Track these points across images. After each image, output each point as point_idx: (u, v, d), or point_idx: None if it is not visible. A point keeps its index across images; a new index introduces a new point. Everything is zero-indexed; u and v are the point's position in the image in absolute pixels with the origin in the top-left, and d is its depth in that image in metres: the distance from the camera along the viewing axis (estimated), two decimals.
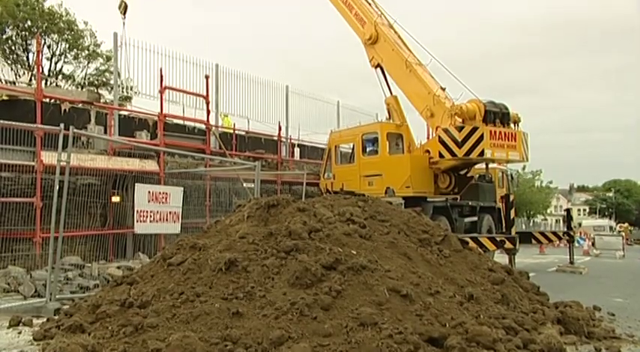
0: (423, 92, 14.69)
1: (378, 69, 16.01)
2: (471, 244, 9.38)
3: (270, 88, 19.79)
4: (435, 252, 6.51)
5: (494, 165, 16.38)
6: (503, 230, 14.30)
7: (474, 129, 13.47)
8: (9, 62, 25.24)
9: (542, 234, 16.72)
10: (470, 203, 14.96)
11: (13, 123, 9.39)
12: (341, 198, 7.73)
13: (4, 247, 9.98)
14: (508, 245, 13.09)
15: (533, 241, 16.12)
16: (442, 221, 13.09)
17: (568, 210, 17.38)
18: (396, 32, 15.96)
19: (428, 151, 14.48)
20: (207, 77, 15.53)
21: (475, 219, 15.13)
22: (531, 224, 49.36)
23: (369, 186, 14.79)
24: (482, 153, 13.42)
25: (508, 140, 13.87)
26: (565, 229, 16.27)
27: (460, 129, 13.62)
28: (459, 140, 13.53)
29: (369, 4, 16.29)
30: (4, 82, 13.94)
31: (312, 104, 21.86)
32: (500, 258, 14.13)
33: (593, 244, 25.70)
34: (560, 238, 16.52)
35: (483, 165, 15.33)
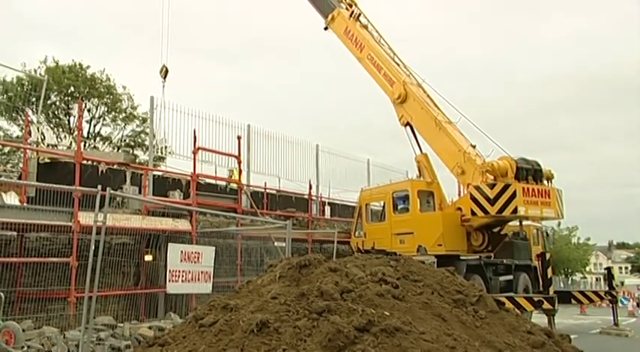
0: (454, 149, 14.71)
1: (408, 127, 16.15)
2: (508, 304, 9.10)
3: (301, 146, 20.11)
4: (470, 313, 6.32)
5: (529, 222, 16.07)
6: (541, 289, 13.84)
7: (506, 187, 13.34)
8: (51, 126, 26.34)
9: (583, 293, 16.09)
10: (504, 261, 14.60)
11: (53, 185, 9.74)
12: (373, 258, 7.65)
13: (39, 307, 10.10)
14: (546, 305, 12.65)
15: (573, 301, 15.52)
16: (476, 280, 12.79)
17: (609, 269, 16.80)
18: (424, 91, 16.19)
19: (460, 209, 14.35)
20: (239, 138, 15.87)
21: (510, 277, 14.73)
22: (570, 283, 47.66)
23: (400, 244, 14.64)
24: (515, 211, 13.22)
25: (542, 197, 13.68)
26: (607, 288, 15.68)
27: (492, 186, 13.51)
28: (491, 197, 13.40)
29: (398, 64, 16.64)
30: (46, 145, 14.49)
31: (342, 162, 22.06)
32: (539, 318, 13.60)
33: (638, 304, 24.60)
34: (602, 298, 15.89)
35: (517, 223, 15.06)
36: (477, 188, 13.73)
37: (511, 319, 6.64)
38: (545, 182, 14.23)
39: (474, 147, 14.76)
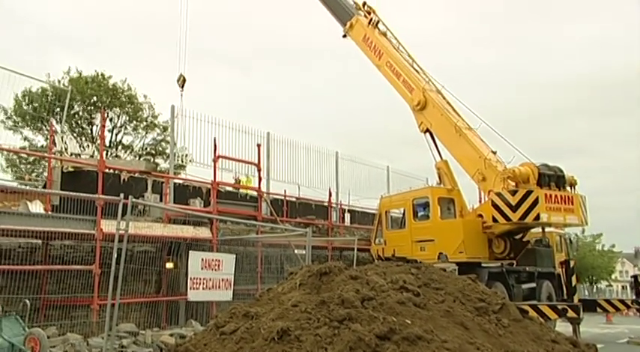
0: (474, 156, 14.60)
1: (428, 134, 16.08)
2: (531, 313, 8.97)
3: (320, 154, 20.13)
4: (493, 321, 6.24)
5: (552, 229, 15.85)
6: (565, 297, 13.63)
7: (528, 193, 13.18)
8: (75, 135, 26.79)
9: (608, 301, 15.78)
10: (527, 269, 14.42)
11: (77, 193, 9.89)
12: (393, 265, 7.60)
13: (63, 314, 10.23)
14: (571, 313, 12.44)
15: (599, 309, 15.23)
16: (498, 288, 12.64)
17: (636, 276, 16.46)
18: (444, 97, 16.11)
19: (481, 215, 14.21)
20: (259, 146, 15.92)
21: (533, 285, 14.53)
22: (595, 291, 46.79)
23: (421, 251, 14.56)
24: (537, 217, 13.06)
25: (565, 203, 13.49)
26: (634, 296, 15.37)
27: (513, 193, 13.36)
28: (513, 204, 13.25)
29: (417, 71, 16.59)
30: (69, 154, 14.74)
31: (362, 169, 22.03)
32: (563, 327, 13.37)
33: None
34: (628, 306, 15.58)
35: (540, 230, 14.87)
36: (499, 194, 13.59)
37: (535, 328, 6.54)
38: (568, 188, 14.03)
39: (494, 153, 14.64)
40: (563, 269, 13.86)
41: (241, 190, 16.11)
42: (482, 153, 14.47)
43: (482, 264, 13.87)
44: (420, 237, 14.77)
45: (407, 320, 5.60)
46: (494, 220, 13.69)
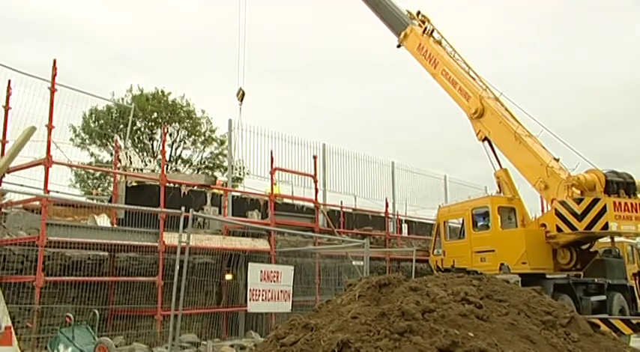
0: (535, 164, 14.13)
1: (486, 142, 15.71)
2: (603, 327, 8.54)
3: (376, 164, 20.07)
4: (561, 335, 5.98)
5: (622, 238, 15.12)
6: (639, 311, 12.93)
7: (595, 201, 12.63)
8: (137, 150, 27.81)
9: None
10: (596, 280, 13.77)
11: (140, 207, 10.24)
12: (454, 276, 7.43)
13: (129, 324, 10.57)
14: None
15: None
16: (565, 300, 12.13)
17: None
18: (502, 104, 15.72)
19: (544, 225, 13.72)
20: (315, 157, 15.99)
21: (603, 298, 13.84)
22: None
23: (481, 262, 14.20)
24: (606, 227, 12.47)
25: (636, 211, 12.83)
26: None
27: (579, 201, 12.84)
28: (579, 213, 12.72)
29: (473, 78, 16.28)
30: (132, 169, 15.30)
31: (419, 179, 21.81)
32: (638, 343, 12.68)
33: None
34: None
35: (608, 239, 14.21)
36: (563, 203, 13.09)
37: (608, 343, 6.22)
38: (639, 195, 13.35)
39: (557, 160, 14.13)
40: (637, 281, 13.19)
41: (296, 201, 16.23)
42: (544, 160, 13.99)
43: (547, 276, 13.37)
44: (480, 248, 14.40)
45: (470, 333, 5.46)
46: (559, 230, 13.18)
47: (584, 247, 13.91)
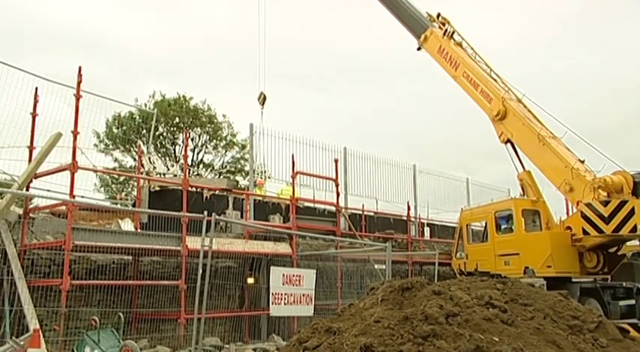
0: (560, 166, 13.92)
1: (509, 144, 15.54)
2: (632, 332, 8.36)
3: (397, 167, 20.01)
4: (589, 340, 5.87)
5: None
6: None
7: (623, 203, 12.39)
8: (159, 155, 28.13)
9: None
10: (624, 284, 13.49)
11: (163, 211, 10.33)
12: (477, 280, 7.35)
13: (153, 327, 10.67)
14: None
15: None
16: (592, 304, 11.91)
17: None
18: (525, 106, 15.53)
19: (569, 228, 13.51)
20: (336, 161, 15.96)
21: (632, 302, 13.53)
22: None
23: (505, 265, 14.05)
24: (634, 229, 12.23)
25: None
26: None
27: (605, 203, 12.60)
28: (606, 215, 12.49)
29: (495, 80, 16.12)
30: (155, 174, 15.46)
31: (440, 182, 21.67)
32: None
33: None
34: None
35: (637, 242, 13.94)
36: (589, 205, 12.86)
37: (638, 349, 6.09)
38: None
39: (582, 162, 13.90)
40: None
41: (318, 205, 16.22)
42: (569, 162, 13.77)
43: (573, 279, 13.15)
44: (504, 251, 14.24)
45: (494, 338, 5.39)
46: (585, 232, 12.95)
47: (611, 250, 13.66)
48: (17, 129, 11.10)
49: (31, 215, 10.46)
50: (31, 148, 10.64)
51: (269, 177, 16.86)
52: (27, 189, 10.19)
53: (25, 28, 45.90)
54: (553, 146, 14.16)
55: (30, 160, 10.43)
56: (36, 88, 10.97)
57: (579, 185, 13.44)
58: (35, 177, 10.39)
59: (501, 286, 6.93)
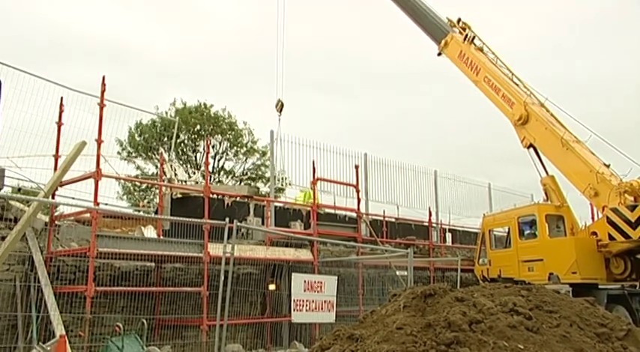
0: (584, 170, 13.71)
1: (531, 149, 15.36)
2: None
3: (418, 173, 19.89)
4: (617, 349, 5.75)
5: None
6: None
7: None
8: (181, 162, 28.39)
9: None
10: None
11: (185, 219, 10.42)
12: (501, 287, 7.26)
13: (175, 333, 10.74)
14: None
15: None
16: (620, 311, 11.69)
17: None
18: (548, 110, 15.35)
19: (595, 233, 13.28)
20: (356, 167, 15.92)
21: None
22: None
23: (528, 271, 13.89)
24: None
25: None
26: None
27: (632, 208, 12.38)
28: (632, 220, 12.27)
29: (517, 84, 15.97)
30: (177, 181, 15.60)
31: (462, 187, 21.50)
32: None
33: None
34: None
35: None
36: (615, 210, 12.64)
37: None
38: None
39: (607, 166, 13.68)
40: None
41: (339, 211, 16.21)
42: (594, 166, 13.56)
43: (600, 286, 12.93)
44: (528, 257, 14.06)
45: (519, 345, 5.31)
46: (611, 238, 12.74)
47: (639, 256, 13.39)
48: (43, 138, 11.33)
49: (56, 222, 10.63)
50: (56, 157, 10.81)
51: (289, 184, 16.89)
52: (53, 197, 10.35)
53: (52, 39, 46.93)
54: (577, 150, 13.96)
55: (55, 169, 10.60)
56: (61, 98, 11.16)
57: (605, 189, 13.22)
58: (60, 185, 10.54)
59: (526, 293, 6.83)
